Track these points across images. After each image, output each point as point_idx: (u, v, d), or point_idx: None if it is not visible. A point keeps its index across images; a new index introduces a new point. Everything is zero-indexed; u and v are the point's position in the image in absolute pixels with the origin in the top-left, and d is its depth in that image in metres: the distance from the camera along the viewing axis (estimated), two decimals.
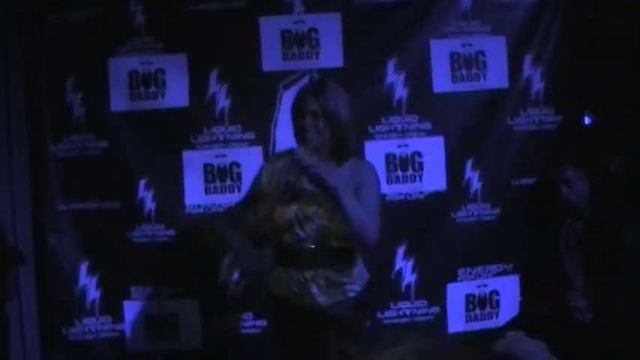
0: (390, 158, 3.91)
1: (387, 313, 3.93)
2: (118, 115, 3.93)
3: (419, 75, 3.90)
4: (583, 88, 4.07)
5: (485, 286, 3.96)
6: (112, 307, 3.97)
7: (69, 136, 3.95)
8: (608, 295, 3.69)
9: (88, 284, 3.98)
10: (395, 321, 3.91)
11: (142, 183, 3.94)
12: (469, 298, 3.95)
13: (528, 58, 3.95)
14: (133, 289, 3.96)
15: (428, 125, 3.91)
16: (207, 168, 3.93)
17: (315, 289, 2.90)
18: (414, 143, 3.91)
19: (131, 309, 3.97)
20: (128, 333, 3.98)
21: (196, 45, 3.90)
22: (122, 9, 3.91)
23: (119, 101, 3.93)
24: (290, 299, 2.95)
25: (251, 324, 3.97)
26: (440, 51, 3.92)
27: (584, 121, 4.25)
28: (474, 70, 3.93)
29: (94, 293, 3.99)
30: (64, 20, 3.88)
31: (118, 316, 3.98)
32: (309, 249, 2.89)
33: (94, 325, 3.99)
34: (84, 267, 3.98)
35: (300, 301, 2.93)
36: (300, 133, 2.88)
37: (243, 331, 3.98)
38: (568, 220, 3.85)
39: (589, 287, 3.76)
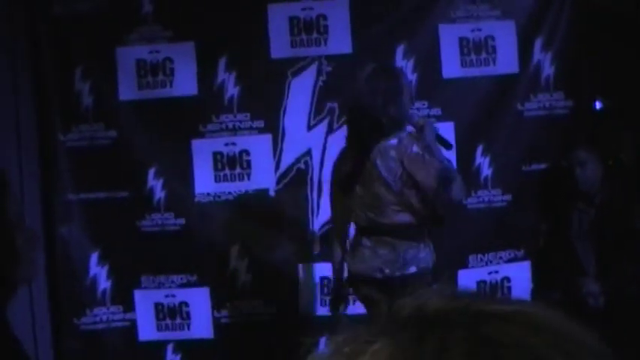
0: None
1: None
2: (127, 104, 3.93)
3: (428, 60, 3.88)
4: (594, 72, 4.04)
5: (497, 272, 3.94)
6: (122, 296, 3.98)
7: (78, 125, 3.95)
8: (621, 280, 3.67)
9: (99, 274, 3.98)
10: None
11: (152, 172, 3.94)
12: (480, 285, 3.93)
13: (538, 43, 3.91)
14: (143, 278, 3.96)
15: (437, 111, 3.88)
16: (217, 156, 3.92)
17: None
18: None
19: (142, 298, 3.97)
20: (139, 322, 3.98)
21: (204, 33, 3.89)
22: None
23: (127, 90, 3.92)
24: None
25: (261, 311, 3.96)
26: (449, 36, 3.89)
27: (595, 106, 4.22)
28: (484, 55, 3.90)
29: (104, 283, 3.99)
30: (72, 9, 3.87)
31: (128, 305, 3.98)
32: None
33: (104, 315, 3.99)
34: (94, 257, 3.98)
35: None
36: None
37: (254, 319, 3.97)
38: (580, 205, 3.82)
39: (602, 273, 3.73)
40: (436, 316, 0.55)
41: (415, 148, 2.91)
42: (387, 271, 2.91)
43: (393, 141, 2.91)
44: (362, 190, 2.99)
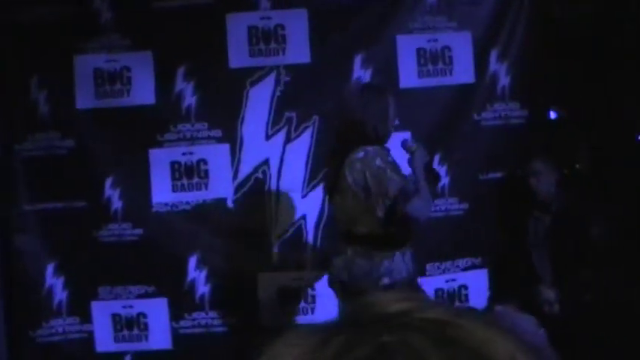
0: None
1: None
2: (84, 113, 3.90)
3: (386, 70, 3.91)
4: (549, 83, 4.10)
5: (454, 280, 3.97)
6: (79, 307, 3.93)
7: (34, 134, 3.91)
8: (577, 287, 3.72)
9: (55, 285, 3.94)
10: None
11: (109, 182, 3.91)
12: (438, 293, 3.95)
13: (494, 53, 3.97)
14: (100, 289, 3.92)
15: (395, 121, 3.90)
16: (174, 166, 3.91)
17: None
18: None
19: (99, 309, 3.93)
20: (96, 333, 3.94)
21: (163, 42, 3.88)
22: (88, 6, 3.88)
23: (85, 99, 3.90)
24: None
25: (220, 322, 3.95)
26: (406, 46, 3.93)
27: (550, 116, 4.29)
28: (441, 66, 3.94)
29: (60, 294, 3.94)
30: (29, 16, 3.84)
31: (85, 316, 3.94)
32: None
33: (61, 327, 3.94)
34: (50, 268, 3.94)
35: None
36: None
37: (213, 329, 3.95)
38: (536, 213, 3.87)
39: (557, 280, 3.78)
40: (369, 321, 0.57)
41: (378, 162, 2.93)
42: (362, 282, 2.95)
43: (360, 154, 2.95)
44: (339, 200, 3.04)
